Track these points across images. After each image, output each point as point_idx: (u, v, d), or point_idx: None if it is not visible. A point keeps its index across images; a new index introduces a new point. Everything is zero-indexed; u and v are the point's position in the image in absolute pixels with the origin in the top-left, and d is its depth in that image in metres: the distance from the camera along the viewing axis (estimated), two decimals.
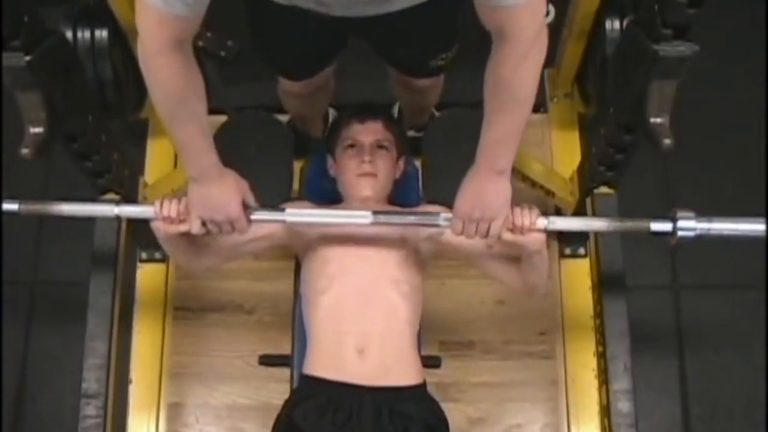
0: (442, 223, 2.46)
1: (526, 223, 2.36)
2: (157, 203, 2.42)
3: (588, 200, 3.10)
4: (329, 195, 2.90)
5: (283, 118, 3.31)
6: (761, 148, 3.81)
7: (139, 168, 3.35)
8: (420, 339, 2.73)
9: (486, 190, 2.31)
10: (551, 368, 3.34)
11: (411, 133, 3.33)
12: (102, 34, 2.90)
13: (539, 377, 3.33)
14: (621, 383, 2.93)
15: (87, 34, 2.89)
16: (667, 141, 2.40)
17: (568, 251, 3.41)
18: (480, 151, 2.29)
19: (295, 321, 2.93)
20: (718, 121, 3.90)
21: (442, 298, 3.31)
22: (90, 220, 3.04)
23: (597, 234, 3.14)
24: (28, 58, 2.27)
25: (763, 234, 2.42)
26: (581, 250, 3.40)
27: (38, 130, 2.42)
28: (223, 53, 3.54)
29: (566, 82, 3.42)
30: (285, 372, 2.95)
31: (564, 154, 3.52)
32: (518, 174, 3.14)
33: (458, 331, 3.35)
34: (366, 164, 2.75)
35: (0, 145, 3.36)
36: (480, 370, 3.34)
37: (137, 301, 3.39)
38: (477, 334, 3.36)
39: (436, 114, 3.39)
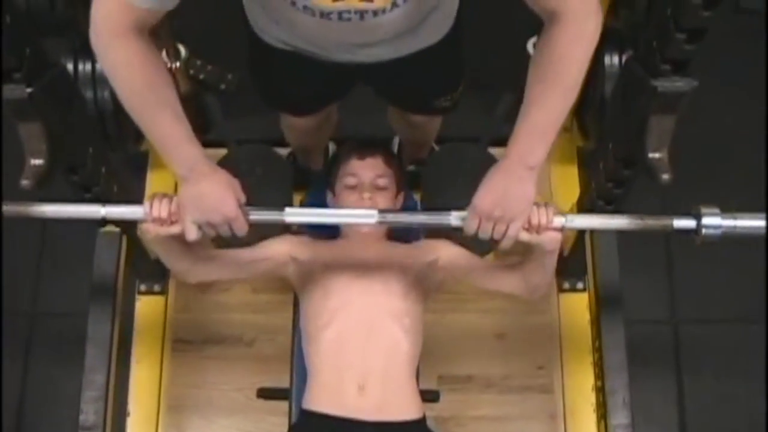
0: (454, 222, 2.28)
1: (543, 221, 2.21)
2: (147, 203, 2.27)
3: (587, 235, 3.11)
4: (328, 229, 2.90)
5: (283, 151, 3.32)
6: (761, 184, 3.82)
7: (138, 200, 3.35)
8: (418, 373, 2.73)
9: (512, 187, 2.15)
10: (550, 402, 3.32)
11: (411, 168, 3.33)
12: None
13: (538, 411, 3.32)
14: (620, 418, 2.93)
15: (88, 66, 2.91)
16: (666, 176, 2.39)
17: (566, 285, 3.41)
18: (513, 142, 2.13)
19: (294, 354, 2.93)
20: (718, 155, 3.91)
21: (441, 331, 3.30)
22: (89, 252, 3.04)
23: (595, 268, 3.14)
24: (29, 89, 2.28)
25: None
26: (580, 285, 3.40)
27: (39, 161, 2.42)
28: (223, 86, 3.55)
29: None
30: (284, 405, 2.95)
31: (563, 188, 3.53)
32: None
33: (457, 364, 3.35)
34: (365, 201, 2.73)
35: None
36: (479, 404, 3.33)
37: (136, 333, 3.38)
38: (476, 368, 3.36)
39: (436, 148, 3.40)
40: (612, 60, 2.93)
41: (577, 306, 3.37)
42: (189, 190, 2.20)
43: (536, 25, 2.05)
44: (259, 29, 2.43)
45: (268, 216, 2.35)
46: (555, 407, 3.32)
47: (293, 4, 2.07)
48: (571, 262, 3.28)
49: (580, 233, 3.11)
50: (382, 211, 2.37)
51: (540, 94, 2.07)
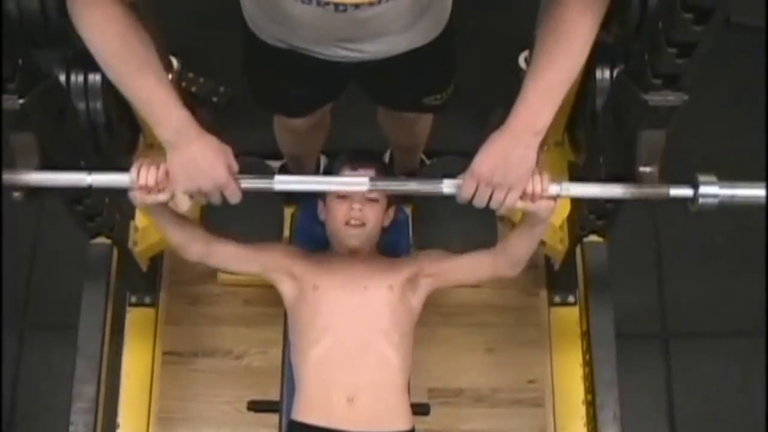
0: (446, 189, 2.24)
1: (538, 189, 2.20)
2: (134, 170, 2.20)
3: (578, 249, 3.11)
4: (321, 241, 2.90)
5: (275, 164, 3.32)
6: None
7: (130, 212, 3.35)
8: (409, 386, 2.73)
9: (515, 151, 2.12)
10: (540, 416, 3.33)
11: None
12: (95, 77, 2.91)
13: (528, 425, 3.33)
14: None
15: (80, 77, 2.90)
16: None
17: (557, 299, 3.42)
18: (520, 104, 2.10)
19: (284, 367, 2.93)
20: (709, 170, 3.92)
21: (432, 345, 3.30)
22: (80, 262, 3.04)
23: (586, 282, 3.15)
24: (22, 101, 2.28)
25: None
26: (570, 299, 3.41)
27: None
28: (215, 99, 3.56)
29: (557, 131, 3.43)
30: (274, 418, 2.95)
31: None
32: (507, 221, 3.15)
33: (447, 378, 3.35)
34: (355, 211, 2.73)
35: None
36: (469, 417, 3.33)
37: (126, 345, 3.38)
38: (466, 381, 3.36)
39: (427, 162, 3.40)
40: (603, 74, 2.94)
41: (568, 320, 3.38)
42: (178, 155, 2.16)
43: (528, 39, 2.06)
44: (255, 28, 2.42)
45: (259, 183, 2.32)
46: (545, 421, 3.32)
47: None
48: (562, 276, 3.29)
49: (571, 248, 3.12)
50: (373, 179, 2.33)
51: (548, 58, 2.06)
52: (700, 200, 2.24)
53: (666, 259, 3.74)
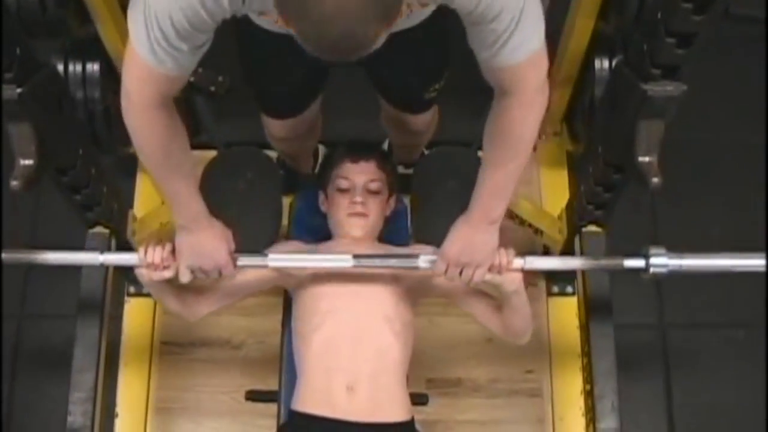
0: (422, 265, 2.53)
1: (503, 262, 2.45)
2: (141, 249, 2.46)
3: (576, 239, 3.11)
4: (318, 232, 2.90)
5: (273, 154, 3.32)
6: (749, 187, 3.83)
7: (128, 202, 3.35)
8: (407, 376, 2.73)
9: (477, 238, 2.39)
10: (538, 406, 3.33)
11: (400, 170, 3.32)
12: (93, 67, 2.91)
13: (526, 415, 3.33)
14: (608, 422, 2.92)
15: (78, 67, 2.90)
16: (655, 180, 2.41)
17: (555, 289, 3.42)
18: (475, 200, 2.36)
19: (283, 357, 2.92)
20: (707, 160, 3.92)
21: (430, 335, 3.30)
22: (79, 247, 3.03)
23: (584, 272, 3.14)
24: (19, 90, 2.28)
25: (734, 270, 2.56)
26: (569, 289, 3.41)
27: (28, 162, 2.42)
28: (213, 88, 3.55)
29: (555, 121, 3.44)
30: (272, 408, 2.94)
31: (553, 193, 3.54)
32: (507, 212, 3.14)
33: (445, 368, 3.35)
34: (357, 204, 2.76)
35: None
36: (467, 407, 3.33)
37: (124, 335, 3.38)
38: (464, 371, 3.36)
39: (426, 152, 3.39)
40: (602, 64, 2.94)
41: (566, 310, 3.38)
42: (188, 238, 2.42)
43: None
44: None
45: (253, 261, 2.58)
46: (543, 411, 3.32)
47: None
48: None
49: (570, 238, 3.12)
50: (357, 256, 2.54)
51: (496, 160, 2.27)
52: (652, 269, 2.52)
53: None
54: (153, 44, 1.96)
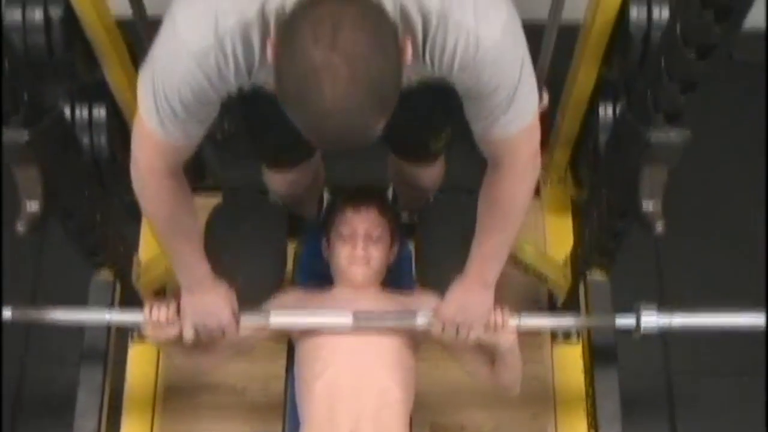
0: (420, 323, 2.60)
1: (498, 321, 2.53)
2: (147, 308, 2.54)
3: (581, 284, 3.11)
4: (323, 277, 2.90)
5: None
6: (754, 232, 3.83)
7: (133, 245, 3.36)
8: (411, 421, 2.72)
9: (472, 299, 2.49)
10: None
11: (405, 216, 3.33)
12: (100, 111, 2.93)
13: None
14: None
15: (85, 111, 2.92)
16: (660, 226, 2.42)
17: (560, 336, 3.40)
18: (470, 264, 2.45)
19: (287, 402, 2.92)
20: (712, 204, 3.93)
21: (434, 380, 3.28)
22: (84, 296, 3.04)
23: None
24: (27, 134, 2.29)
25: (724, 327, 2.63)
26: (573, 336, 3.39)
27: (35, 205, 2.43)
28: (218, 134, 3.56)
29: (560, 167, 3.45)
30: None
31: (557, 239, 3.54)
32: (511, 259, 3.14)
33: (449, 413, 3.33)
34: (359, 252, 2.77)
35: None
36: None
37: (128, 380, 3.36)
38: (468, 417, 3.34)
39: (430, 198, 3.39)
40: (606, 110, 2.95)
41: (571, 355, 3.37)
42: (192, 299, 2.49)
43: None
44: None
45: (255, 320, 2.65)
46: None
47: None
48: (567, 312, 3.28)
49: (574, 283, 3.12)
50: (356, 316, 2.61)
51: (490, 227, 2.36)
52: (642, 328, 2.59)
53: (668, 294, 3.73)
54: (162, 118, 2.00)
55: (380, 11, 1.71)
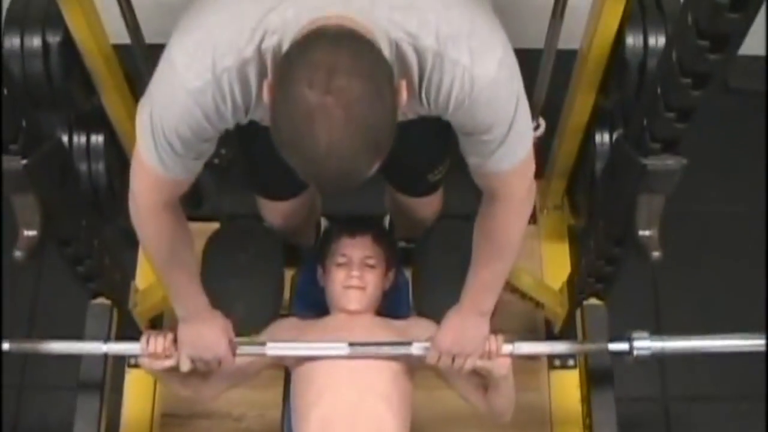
0: (415, 352, 2.61)
1: (493, 348, 2.54)
2: (143, 339, 2.55)
3: (578, 312, 3.11)
4: (320, 306, 2.90)
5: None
6: (751, 259, 3.83)
7: (130, 273, 3.35)
8: None
9: (467, 329, 2.51)
10: None
11: (402, 244, 3.33)
12: (98, 139, 2.93)
13: None
14: None
15: (83, 139, 2.92)
16: (656, 254, 2.43)
17: (557, 363, 3.40)
18: (465, 294, 2.48)
19: (284, 430, 2.91)
20: (709, 231, 3.93)
21: (431, 408, 3.26)
22: (80, 318, 3.04)
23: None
24: (25, 161, 2.29)
25: (716, 351, 2.65)
26: (570, 362, 3.39)
27: (32, 233, 2.44)
28: (216, 161, 3.55)
29: (556, 194, 3.45)
30: None
31: (554, 266, 3.53)
32: (507, 286, 3.14)
33: None
34: (354, 278, 2.77)
35: None
36: None
37: (125, 407, 3.35)
38: None
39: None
40: (602, 138, 2.96)
41: (568, 383, 3.36)
42: (188, 330, 2.51)
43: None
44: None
45: (251, 351, 2.68)
46: None
47: None
48: (562, 339, 3.28)
49: (571, 311, 3.12)
50: (352, 344, 2.61)
51: (484, 258, 2.38)
52: (635, 352, 2.64)
53: (665, 322, 3.73)
54: (161, 153, 2.00)
55: (375, 52, 1.71)
